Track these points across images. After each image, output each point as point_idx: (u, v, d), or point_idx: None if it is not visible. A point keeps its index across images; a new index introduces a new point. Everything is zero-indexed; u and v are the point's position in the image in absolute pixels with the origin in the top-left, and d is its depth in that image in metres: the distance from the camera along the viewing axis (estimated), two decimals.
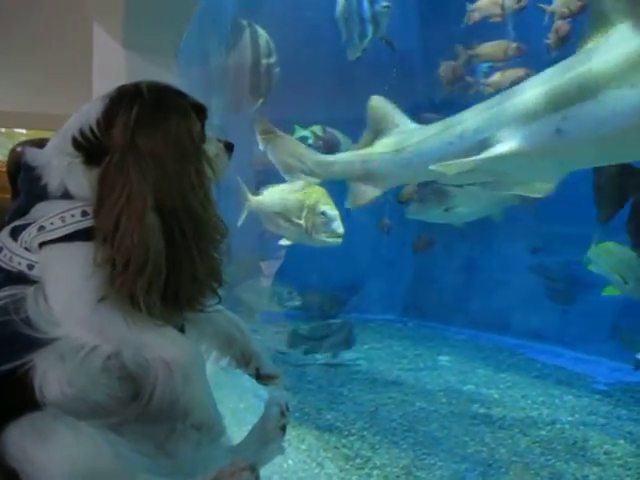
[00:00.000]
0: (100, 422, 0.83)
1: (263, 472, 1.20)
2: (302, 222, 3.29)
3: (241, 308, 3.86)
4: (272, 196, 3.71)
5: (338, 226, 3.21)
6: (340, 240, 3.21)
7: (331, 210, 3.24)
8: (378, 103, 3.16)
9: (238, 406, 2.65)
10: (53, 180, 0.87)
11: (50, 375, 0.80)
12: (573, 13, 3.42)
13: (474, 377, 3.39)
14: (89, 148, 0.87)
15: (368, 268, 4.97)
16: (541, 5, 3.65)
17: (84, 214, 0.85)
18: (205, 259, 0.87)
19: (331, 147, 4.45)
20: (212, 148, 0.95)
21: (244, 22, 4.11)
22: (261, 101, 4.17)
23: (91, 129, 0.87)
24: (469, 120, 2.52)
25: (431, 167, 2.45)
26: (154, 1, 3.66)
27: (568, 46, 3.41)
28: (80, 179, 0.87)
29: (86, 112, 0.89)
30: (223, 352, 1.09)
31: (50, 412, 0.80)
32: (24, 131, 5.90)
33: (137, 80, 0.92)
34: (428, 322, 4.66)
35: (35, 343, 0.80)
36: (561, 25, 3.48)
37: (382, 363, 3.65)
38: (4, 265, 0.86)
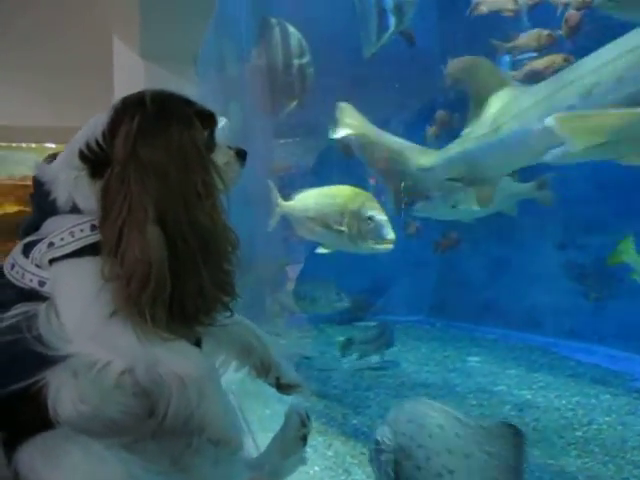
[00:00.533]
0: (115, 440, 0.81)
1: (290, 479, 1.17)
2: (344, 228, 2.99)
3: (277, 311, 3.85)
4: (306, 200, 3.43)
5: (389, 232, 2.90)
6: (391, 246, 2.90)
7: (379, 214, 2.93)
8: (479, 63, 2.78)
9: (264, 412, 2.62)
10: (61, 195, 0.87)
11: (63, 393, 0.79)
12: (587, 3, 3.30)
13: (505, 378, 3.30)
14: (95, 160, 0.86)
15: (394, 269, 4.90)
16: None
17: (93, 228, 0.85)
18: (213, 271, 0.85)
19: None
20: (222, 156, 0.93)
21: (273, 21, 3.95)
22: (295, 104, 4.01)
23: (97, 141, 0.86)
24: (600, 70, 1.79)
25: (549, 121, 1.66)
26: (169, 10, 3.69)
27: (580, 35, 3.32)
28: (87, 192, 0.86)
29: (93, 125, 0.89)
30: (242, 362, 1.07)
31: (61, 432, 0.79)
32: (53, 145, 6.02)
33: (146, 89, 0.91)
34: (457, 322, 4.57)
35: (48, 361, 0.79)
36: (572, 15, 3.38)
37: (409, 365, 3.58)
38: (16, 282, 0.85)
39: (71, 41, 5.21)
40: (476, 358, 3.74)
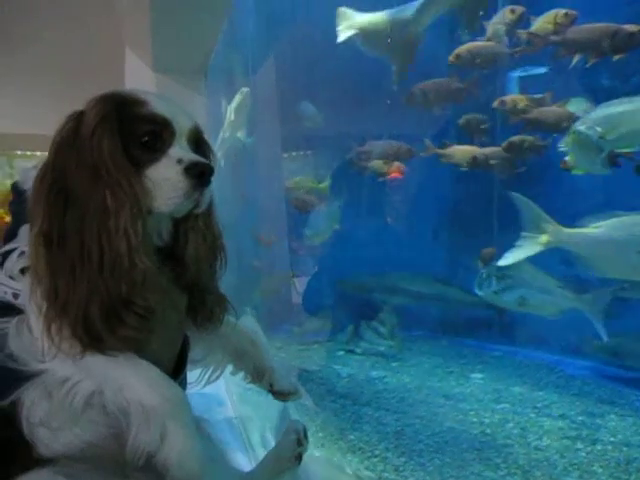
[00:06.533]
0: (97, 464, 0.80)
1: None
2: None
3: None
4: None
5: None
6: None
7: None
8: None
9: (264, 425, 2.60)
10: None
11: (36, 412, 0.78)
12: None
13: (509, 395, 3.24)
14: None
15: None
16: None
17: None
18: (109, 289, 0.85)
19: None
20: (163, 171, 0.86)
21: None
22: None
23: None
24: None
25: None
26: (180, 23, 3.75)
27: None
28: None
29: None
30: (237, 366, 1.08)
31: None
32: None
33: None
34: (462, 338, 4.51)
35: (21, 378, 0.78)
36: None
37: (411, 381, 3.53)
38: None
39: (84, 53, 5.32)
40: (480, 375, 3.67)
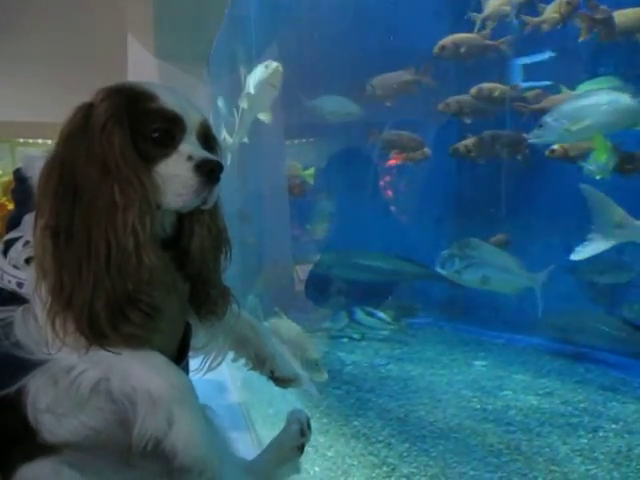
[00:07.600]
0: (101, 453, 0.81)
1: (293, 478, 1.16)
2: None
3: None
4: None
5: None
6: None
7: None
8: None
9: (267, 411, 2.63)
10: None
11: (41, 399, 0.78)
12: None
13: (511, 383, 3.26)
14: None
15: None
16: None
17: None
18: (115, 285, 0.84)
19: None
20: (172, 167, 0.85)
21: None
22: None
23: None
24: None
25: None
26: (182, 11, 3.73)
27: None
28: None
29: None
30: (238, 353, 1.08)
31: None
32: None
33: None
34: (465, 326, 4.53)
35: (26, 366, 0.78)
36: None
37: (414, 368, 3.55)
38: None
39: (86, 40, 5.30)
40: (482, 362, 3.69)
